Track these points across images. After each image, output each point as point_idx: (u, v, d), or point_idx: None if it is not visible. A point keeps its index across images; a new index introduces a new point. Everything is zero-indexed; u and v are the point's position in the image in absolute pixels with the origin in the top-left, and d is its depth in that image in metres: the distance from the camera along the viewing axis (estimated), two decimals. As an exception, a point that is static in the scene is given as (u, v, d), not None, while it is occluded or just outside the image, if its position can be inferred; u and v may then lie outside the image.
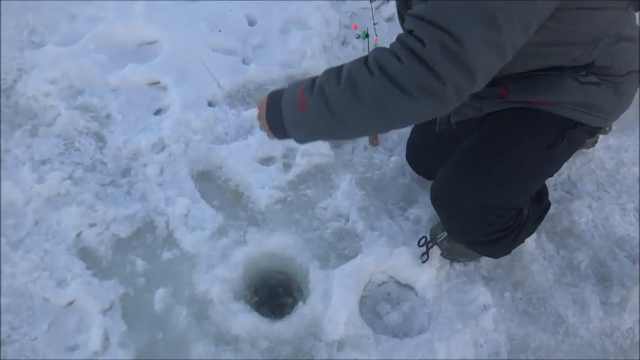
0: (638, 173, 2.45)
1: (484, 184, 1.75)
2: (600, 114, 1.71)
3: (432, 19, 1.23)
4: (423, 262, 2.06)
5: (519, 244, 2.04)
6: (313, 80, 1.42)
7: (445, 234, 2.05)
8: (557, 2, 1.33)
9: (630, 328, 2.02)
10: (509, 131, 1.75)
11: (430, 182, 2.32)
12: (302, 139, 1.54)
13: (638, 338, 2.00)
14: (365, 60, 1.34)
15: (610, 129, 2.47)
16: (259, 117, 1.59)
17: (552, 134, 1.73)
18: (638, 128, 2.58)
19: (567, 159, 1.87)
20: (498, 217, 1.81)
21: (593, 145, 2.48)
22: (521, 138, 1.74)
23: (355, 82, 1.31)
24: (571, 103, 1.67)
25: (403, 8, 1.83)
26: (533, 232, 2.09)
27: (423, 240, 2.09)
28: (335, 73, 1.37)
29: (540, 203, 2.07)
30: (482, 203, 1.77)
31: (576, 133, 1.74)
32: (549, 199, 2.14)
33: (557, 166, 1.89)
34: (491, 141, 1.78)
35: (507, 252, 2.05)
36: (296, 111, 1.44)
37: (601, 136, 2.51)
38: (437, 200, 1.90)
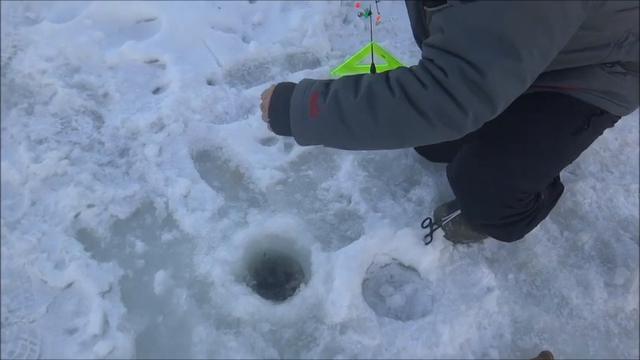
0: (643, 154, 2.43)
1: (510, 167, 1.73)
2: (623, 103, 1.69)
3: (452, 49, 1.24)
4: (427, 243, 2.04)
5: (533, 228, 2.02)
6: (327, 85, 1.39)
7: (450, 216, 2.02)
8: (575, 28, 1.31)
9: (634, 309, 2.02)
10: (534, 115, 1.72)
11: (432, 163, 2.33)
12: (304, 142, 1.51)
13: (642, 320, 1.99)
14: (386, 77, 1.33)
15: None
16: (262, 107, 1.55)
17: (578, 120, 1.70)
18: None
19: (588, 146, 1.85)
20: (519, 201, 1.79)
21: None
22: (547, 122, 1.71)
23: (374, 98, 1.31)
24: (596, 90, 1.65)
25: (417, 28, 1.80)
26: (546, 216, 2.07)
27: (427, 221, 2.06)
28: (352, 82, 1.36)
29: (555, 187, 2.05)
30: (507, 186, 1.75)
31: (601, 121, 1.73)
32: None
33: (578, 153, 1.87)
34: (515, 123, 1.74)
35: (521, 236, 2.04)
36: (305, 114, 1.41)
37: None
38: (459, 181, 1.87)
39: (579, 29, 1.36)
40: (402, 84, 1.29)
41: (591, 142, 1.85)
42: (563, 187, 2.09)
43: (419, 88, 1.26)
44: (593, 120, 1.70)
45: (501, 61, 1.21)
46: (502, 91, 1.24)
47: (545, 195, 1.95)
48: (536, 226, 2.03)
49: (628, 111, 1.74)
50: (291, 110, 1.44)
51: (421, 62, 1.31)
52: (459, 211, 2.02)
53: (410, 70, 1.33)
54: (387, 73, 1.35)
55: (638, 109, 1.81)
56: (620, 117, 1.79)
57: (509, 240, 2.07)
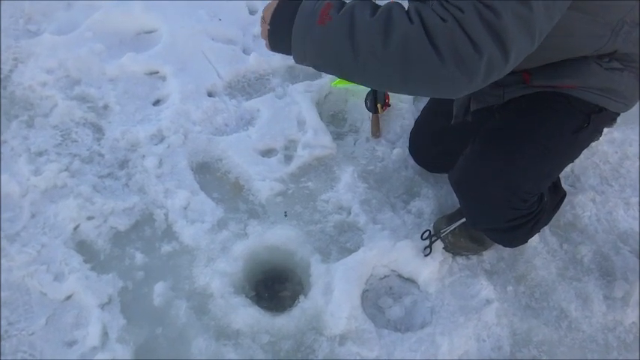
0: (642, 167, 2.44)
1: (514, 168, 1.74)
2: (621, 99, 1.71)
3: None
4: (426, 255, 2.04)
5: (536, 232, 2.03)
6: (343, 1, 1.34)
7: (449, 228, 2.03)
8: None
9: (633, 322, 2.02)
10: (535, 115, 1.74)
11: (432, 175, 2.33)
12: (300, 56, 1.39)
13: (641, 333, 1.99)
14: (405, 8, 1.28)
15: (615, 120, 2.44)
16: (264, 19, 1.45)
17: (579, 118, 1.72)
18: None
19: (588, 145, 1.87)
20: (523, 202, 1.80)
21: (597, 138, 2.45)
22: (548, 121, 1.73)
23: (390, 21, 1.25)
24: (594, 88, 1.67)
25: None
26: (549, 222, 2.08)
27: (427, 233, 2.07)
28: (370, 5, 1.30)
29: (557, 192, 2.07)
30: (511, 187, 1.75)
31: (601, 118, 1.75)
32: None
33: (579, 151, 1.89)
34: (517, 124, 1.76)
35: (524, 241, 2.05)
36: (313, 20, 1.32)
37: (605, 130, 2.48)
38: (462, 184, 1.87)
39: (577, 12, 1.38)
40: (421, 15, 1.24)
41: (592, 141, 1.87)
42: (565, 193, 2.10)
43: (438, 21, 1.22)
44: (593, 118, 1.72)
45: (515, 5, 1.20)
46: (514, 38, 1.21)
47: (548, 199, 1.97)
48: (539, 231, 2.04)
49: (626, 107, 1.76)
50: (298, 14, 1.34)
51: (437, 2, 1.27)
52: (458, 223, 2.03)
53: (428, 6, 1.28)
54: (404, 6, 1.31)
55: (637, 106, 1.83)
56: (618, 114, 1.81)
57: (512, 245, 2.08)
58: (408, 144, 2.37)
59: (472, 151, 1.83)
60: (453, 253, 2.10)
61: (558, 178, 2.10)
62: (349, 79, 1.39)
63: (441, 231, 2.05)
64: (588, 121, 1.72)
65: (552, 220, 2.20)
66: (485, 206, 1.84)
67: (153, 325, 1.91)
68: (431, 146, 2.23)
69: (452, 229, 2.03)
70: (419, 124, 2.33)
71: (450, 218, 2.07)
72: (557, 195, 2.08)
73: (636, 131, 2.54)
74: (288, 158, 2.38)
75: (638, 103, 1.81)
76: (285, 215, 2.19)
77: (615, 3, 1.51)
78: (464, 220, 2.02)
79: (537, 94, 1.71)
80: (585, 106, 1.70)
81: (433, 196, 2.27)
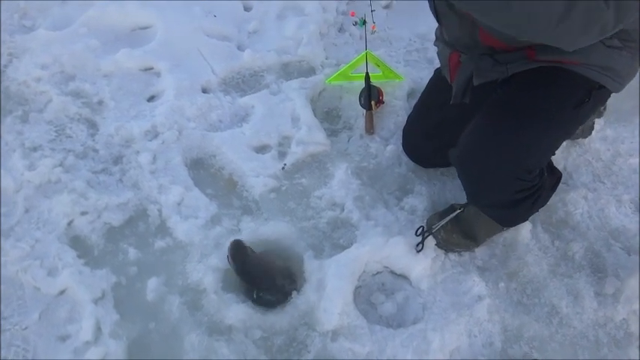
0: (634, 165, 2.44)
1: (520, 139, 1.76)
2: (618, 79, 1.77)
3: None
4: (418, 251, 2.05)
5: (536, 210, 2.07)
6: None
7: (441, 222, 2.04)
8: None
9: (624, 319, 2.02)
10: (539, 89, 1.77)
11: (426, 173, 2.35)
12: None
13: (631, 329, 2.00)
14: None
15: (605, 109, 2.46)
16: None
17: (580, 94, 1.77)
18: (636, 118, 2.58)
19: (586, 121, 1.96)
20: (528, 172, 1.84)
21: (589, 133, 2.47)
22: (552, 95, 1.76)
23: None
24: (595, 65, 1.72)
25: None
26: (547, 202, 2.11)
27: (420, 229, 2.07)
28: None
29: (553, 173, 2.10)
30: (518, 158, 1.78)
31: (600, 95, 1.80)
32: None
33: (578, 127, 1.97)
34: (521, 98, 1.79)
35: (525, 218, 2.09)
36: None
37: (597, 127, 2.51)
38: (466, 159, 1.88)
39: None
40: None
41: (589, 117, 1.94)
42: (561, 174, 2.12)
43: None
44: (594, 94, 1.77)
45: None
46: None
47: (546, 177, 2.00)
48: (537, 211, 2.07)
49: (621, 87, 1.82)
50: None
51: None
52: (450, 217, 2.04)
53: None
54: None
55: (637, 106, 1.85)
56: (610, 94, 1.86)
57: (513, 223, 2.10)
58: (401, 141, 2.38)
59: (477, 125, 1.85)
60: (445, 250, 2.11)
61: (552, 160, 2.12)
62: (505, 14, 1.44)
63: (433, 227, 2.06)
64: (589, 97, 1.77)
65: (544, 217, 2.23)
66: (491, 179, 1.86)
67: (146, 321, 1.92)
68: (424, 140, 2.25)
69: (443, 223, 2.04)
70: (412, 119, 2.35)
71: (442, 215, 2.08)
72: (554, 175, 2.12)
73: (629, 129, 2.55)
74: (282, 155, 2.39)
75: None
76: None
77: None
78: (456, 213, 2.04)
79: (540, 69, 1.74)
80: (586, 82, 1.75)
81: (426, 193, 2.27)
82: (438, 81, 2.25)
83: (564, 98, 1.77)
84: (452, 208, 2.09)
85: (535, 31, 1.49)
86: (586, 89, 1.77)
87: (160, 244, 2.11)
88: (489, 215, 2.04)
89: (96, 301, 1.93)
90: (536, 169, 1.87)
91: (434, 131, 2.19)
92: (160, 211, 2.19)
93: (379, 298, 2.03)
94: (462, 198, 2.13)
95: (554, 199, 2.25)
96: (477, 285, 2.03)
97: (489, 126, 1.83)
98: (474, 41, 1.81)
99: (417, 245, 2.06)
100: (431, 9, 1.90)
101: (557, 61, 1.74)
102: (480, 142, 1.83)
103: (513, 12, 1.42)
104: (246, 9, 3.03)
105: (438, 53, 2.17)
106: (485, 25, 1.64)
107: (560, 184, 2.33)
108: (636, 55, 1.75)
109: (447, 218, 2.04)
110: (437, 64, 2.36)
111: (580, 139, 2.47)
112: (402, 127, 2.39)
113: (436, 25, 2.04)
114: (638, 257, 2.15)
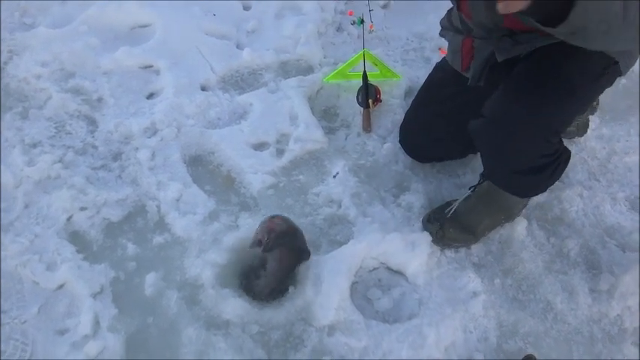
0: (629, 163, 2.46)
1: (548, 102, 1.79)
2: (627, 59, 1.83)
3: None
4: (439, 238, 2.12)
5: (554, 182, 2.09)
6: None
7: (453, 206, 2.09)
8: None
9: (618, 315, 2.04)
10: (560, 60, 1.80)
11: (422, 170, 2.36)
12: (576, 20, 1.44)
13: (625, 325, 2.02)
14: None
15: (597, 104, 2.47)
16: None
17: (600, 65, 1.81)
18: (632, 117, 2.59)
19: (601, 93, 1.99)
20: (555, 134, 1.89)
21: (585, 131, 2.48)
22: (574, 66, 1.79)
23: None
24: None
25: None
26: (561, 176, 2.10)
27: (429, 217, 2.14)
28: None
29: (565, 149, 2.10)
30: (546, 119, 1.81)
31: (614, 70, 1.84)
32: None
33: (596, 97, 2.12)
34: (544, 67, 1.83)
35: (544, 188, 2.11)
36: None
37: (593, 126, 2.53)
38: (494, 124, 1.87)
39: None
40: None
41: (602, 91, 1.96)
42: (570, 153, 2.10)
43: None
44: (611, 69, 1.82)
45: None
46: None
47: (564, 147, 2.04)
48: (557, 180, 2.09)
49: (626, 69, 1.87)
50: None
51: None
52: (466, 195, 2.10)
53: None
54: None
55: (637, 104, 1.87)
56: (619, 75, 1.89)
57: (533, 192, 2.12)
58: (398, 138, 2.39)
59: (505, 91, 1.87)
60: (441, 246, 2.13)
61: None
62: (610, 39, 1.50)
63: (446, 210, 2.11)
64: (607, 70, 1.82)
65: (539, 214, 2.25)
66: (521, 141, 1.86)
67: (144, 315, 1.93)
68: (422, 134, 2.27)
69: (456, 206, 2.10)
70: (409, 115, 2.37)
71: (437, 211, 2.12)
72: (567, 151, 2.11)
73: (624, 127, 2.57)
74: (280, 152, 2.41)
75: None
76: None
77: None
78: (474, 187, 2.10)
79: (561, 43, 1.75)
80: (604, 56, 1.77)
81: (423, 191, 2.29)
82: (437, 77, 2.27)
83: (587, 68, 1.80)
84: (447, 205, 2.11)
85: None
86: (603, 63, 1.80)
87: (158, 239, 2.12)
88: (508, 187, 2.05)
89: (94, 296, 1.94)
90: (560, 134, 1.92)
91: (431, 125, 2.20)
92: (158, 207, 2.20)
93: (375, 294, 2.04)
94: (457, 195, 2.15)
95: (549, 196, 2.28)
96: (472, 281, 2.04)
97: (518, 90, 1.85)
98: (495, 24, 1.83)
99: (436, 233, 2.11)
100: None
101: None
102: (510, 105, 1.84)
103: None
104: (245, 8, 3.04)
105: (449, 41, 2.16)
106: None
107: (557, 182, 2.36)
108: None
109: (463, 197, 2.10)
110: (434, 62, 2.38)
111: (576, 138, 2.49)
112: (399, 125, 2.40)
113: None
114: (632, 254, 2.17)
